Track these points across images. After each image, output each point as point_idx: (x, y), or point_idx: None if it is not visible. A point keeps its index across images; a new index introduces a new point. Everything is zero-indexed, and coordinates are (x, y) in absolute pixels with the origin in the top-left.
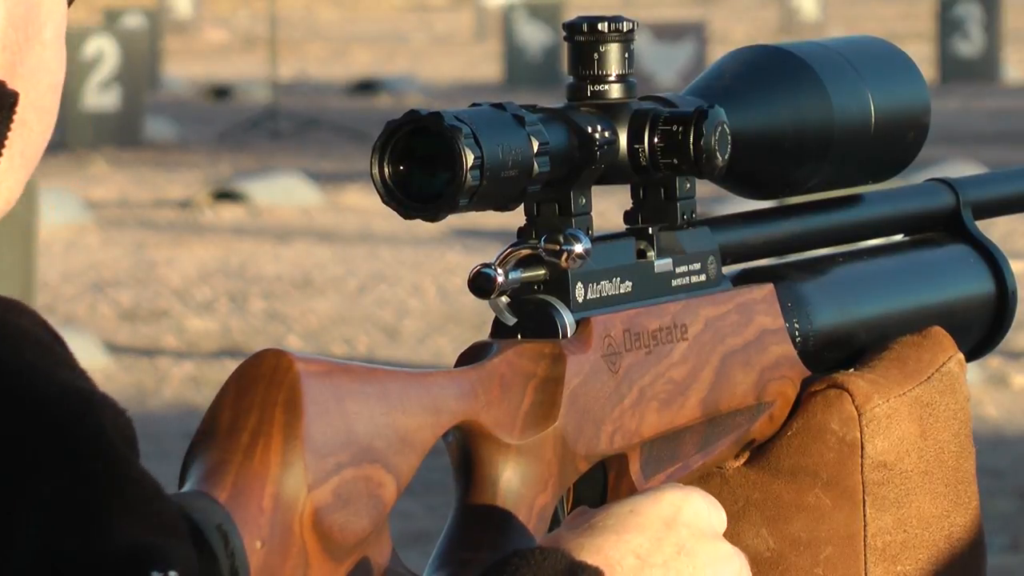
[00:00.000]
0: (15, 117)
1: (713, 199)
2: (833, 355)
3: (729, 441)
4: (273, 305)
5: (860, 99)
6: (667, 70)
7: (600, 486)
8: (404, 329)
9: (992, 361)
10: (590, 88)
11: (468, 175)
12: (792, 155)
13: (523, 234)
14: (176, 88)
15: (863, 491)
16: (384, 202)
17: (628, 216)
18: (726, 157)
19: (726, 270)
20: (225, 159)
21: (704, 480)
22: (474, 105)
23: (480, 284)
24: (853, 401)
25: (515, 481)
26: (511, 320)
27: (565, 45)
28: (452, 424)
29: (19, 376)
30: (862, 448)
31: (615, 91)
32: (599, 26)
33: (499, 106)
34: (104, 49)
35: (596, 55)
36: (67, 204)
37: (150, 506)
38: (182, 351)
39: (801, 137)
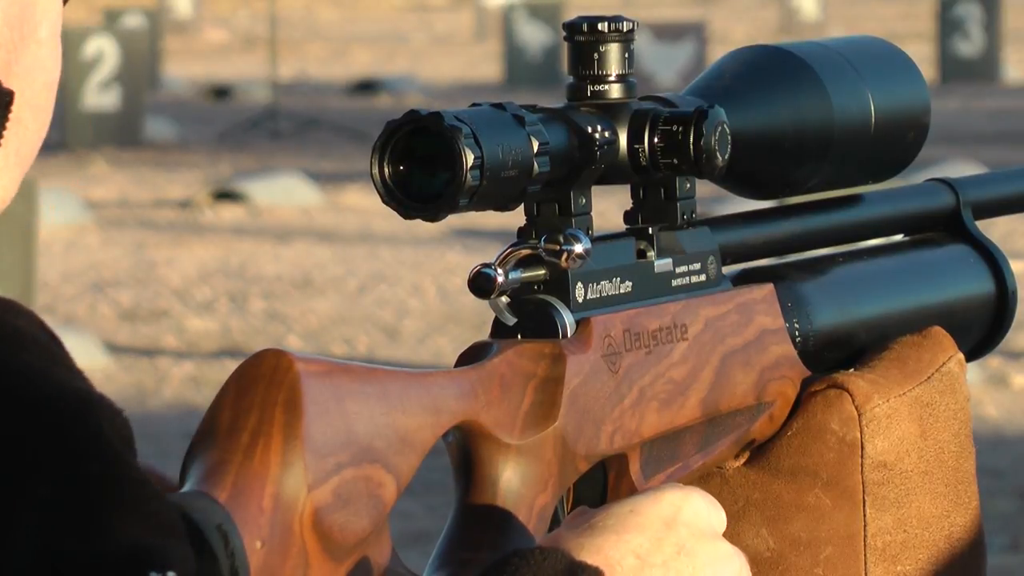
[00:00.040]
0: (11, 115)
1: (713, 199)
2: (833, 355)
3: (729, 441)
4: (273, 305)
5: (860, 99)
6: (667, 70)
7: (600, 486)
8: (404, 329)
9: (992, 361)
10: (590, 88)
11: (468, 175)
12: (792, 155)
13: (523, 234)
14: (176, 88)
15: (863, 491)
16: (384, 202)
17: (628, 216)
18: (726, 157)
19: (726, 270)
20: (225, 159)
21: (704, 480)
22: (474, 105)
23: (480, 284)
24: (853, 401)
25: (515, 481)
26: (511, 320)
27: (565, 45)
28: (452, 424)
29: (17, 376)
30: (862, 448)
31: (615, 91)
32: (599, 26)
33: (499, 106)
34: (104, 49)
35: (596, 55)
36: (67, 204)
37: (148, 506)
38: (182, 351)
39: (801, 137)
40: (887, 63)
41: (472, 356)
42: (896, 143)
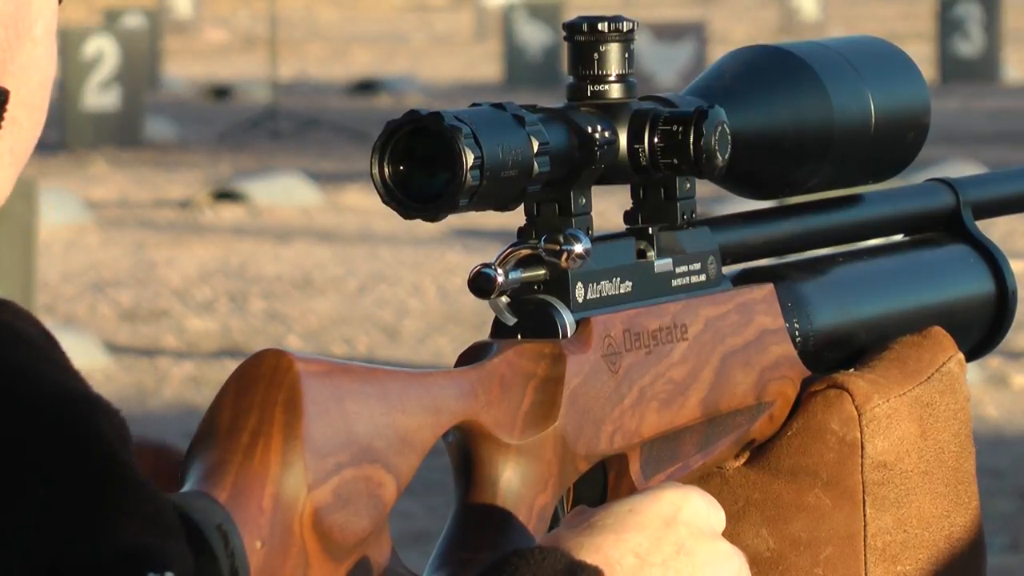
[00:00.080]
0: (6, 114)
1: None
2: (833, 355)
3: (729, 441)
4: (273, 305)
5: (860, 99)
6: (667, 70)
7: (600, 486)
8: (404, 329)
9: (992, 361)
10: (590, 88)
11: (468, 175)
12: (792, 155)
13: (523, 234)
14: (176, 88)
15: (863, 491)
16: (384, 202)
17: (628, 216)
18: (726, 157)
19: (726, 270)
20: (225, 159)
21: (704, 480)
22: (474, 105)
23: (480, 284)
24: (853, 401)
25: (515, 481)
26: (511, 320)
27: (565, 45)
28: (452, 424)
29: (12, 377)
30: (862, 448)
31: (615, 91)
32: (599, 26)
33: (499, 106)
34: (104, 49)
35: (596, 55)
36: (67, 204)
37: (146, 506)
38: (182, 351)
39: (801, 137)
40: (887, 63)
41: (472, 356)
42: (896, 143)
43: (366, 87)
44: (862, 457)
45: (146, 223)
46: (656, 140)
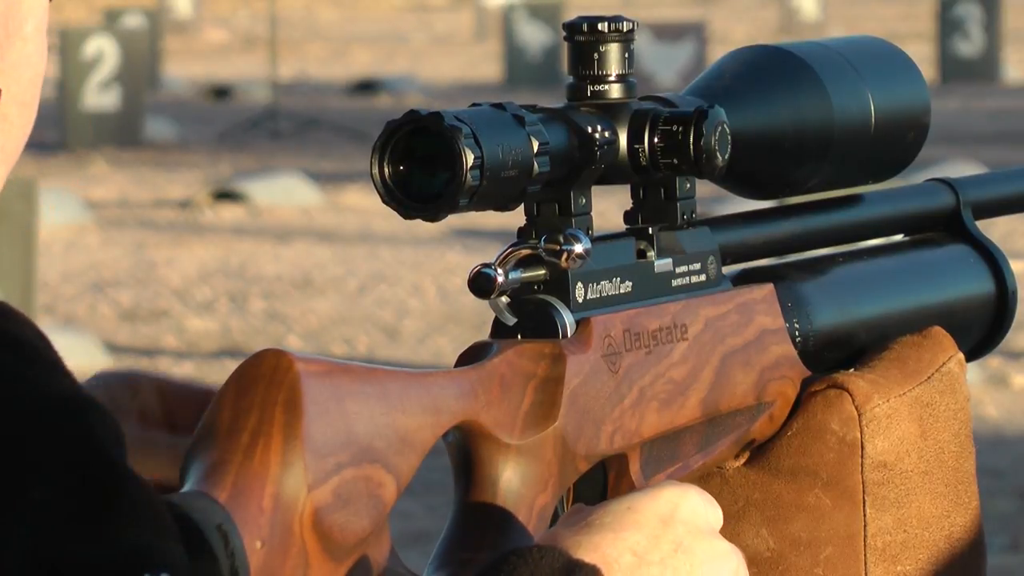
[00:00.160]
0: None
1: (713, 199)
2: (833, 355)
3: (729, 441)
4: (273, 305)
5: (860, 99)
6: (667, 70)
7: (600, 486)
8: (404, 329)
9: (992, 361)
10: (590, 88)
11: (468, 175)
12: (792, 155)
13: (523, 234)
14: (176, 88)
15: (863, 491)
16: (384, 202)
17: (628, 216)
18: (726, 157)
19: (726, 270)
20: (225, 159)
21: (704, 480)
22: (474, 105)
23: (480, 284)
24: (853, 401)
25: (515, 481)
26: (511, 320)
27: (565, 45)
28: (452, 424)
29: (6, 380)
30: (862, 448)
31: (615, 91)
32: (599, 26)
33: (499, 106)
34: (104, 49)
35: (596, 55)
36: (67, 204)
37: (141, 507)
38: (182, 351)
39: (801, 137)
40: (887, 63)
41: (472, 356)
42: (896, 143)
43: (366, 87)
44: (862, 457)
45: (146, 223)
46: (656, 140)
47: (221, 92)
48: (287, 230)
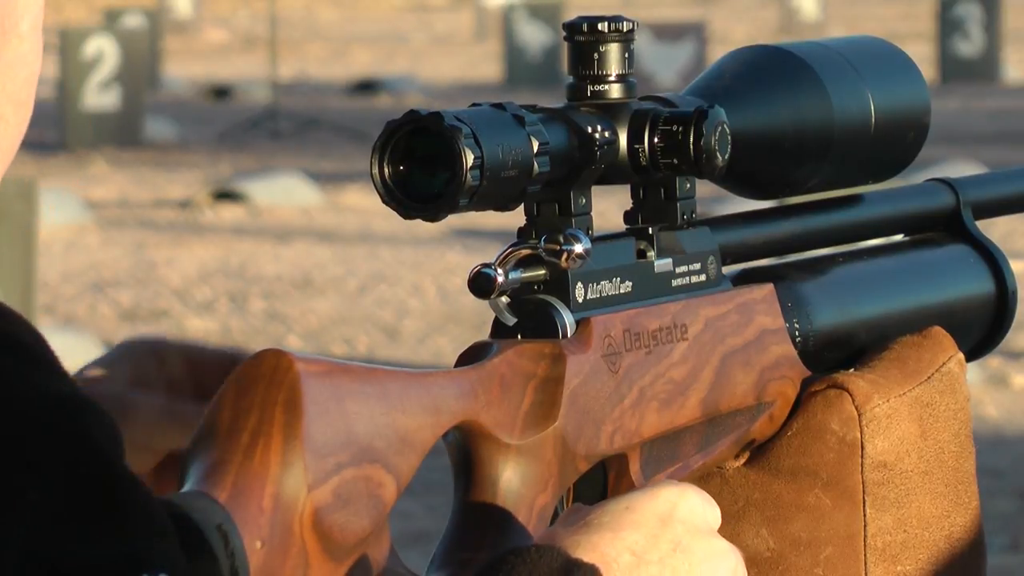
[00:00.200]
0: None
1: (713, 199)
2: (833, 355)
3: (729, 441)
4: (273, 305)
5: (860, 99)
6: (667, 70)
7: (600, 486)
8: (404, 329)
9: (992, 361)
10: (590, 88)
11: (468, 175)
12: (792, 155)
13: (523, 234)
14: (176, 88)
15: (863, 491)
16: (384, 202)
17: (628, 216)
18: (726, 157)
19: (726, 270)
20: (225, 159)
21: (704, 480)
22: (474, 105)
23: (480, 284)
24: (853, 401)
25: (515, 481)
26: (511, 320)
27: (565, 45)
28: (452, 424)
29: (5, 380)
30: (862, 448)
31: (615, 91)
32: (599, 26)
33: (499, 106)
34: (104, 49)
35: (596, 55)
36: (67, 204)
37: (139, 508)
38: None
39: (801, 137)
40: (887, 63)
41: (472, 356)
42: (896, 143)
43: (366, 87)
44: (862, 457)
45: (146, 223)
46: (656, 140)
47: (221, 92)
48: (287, 230)
